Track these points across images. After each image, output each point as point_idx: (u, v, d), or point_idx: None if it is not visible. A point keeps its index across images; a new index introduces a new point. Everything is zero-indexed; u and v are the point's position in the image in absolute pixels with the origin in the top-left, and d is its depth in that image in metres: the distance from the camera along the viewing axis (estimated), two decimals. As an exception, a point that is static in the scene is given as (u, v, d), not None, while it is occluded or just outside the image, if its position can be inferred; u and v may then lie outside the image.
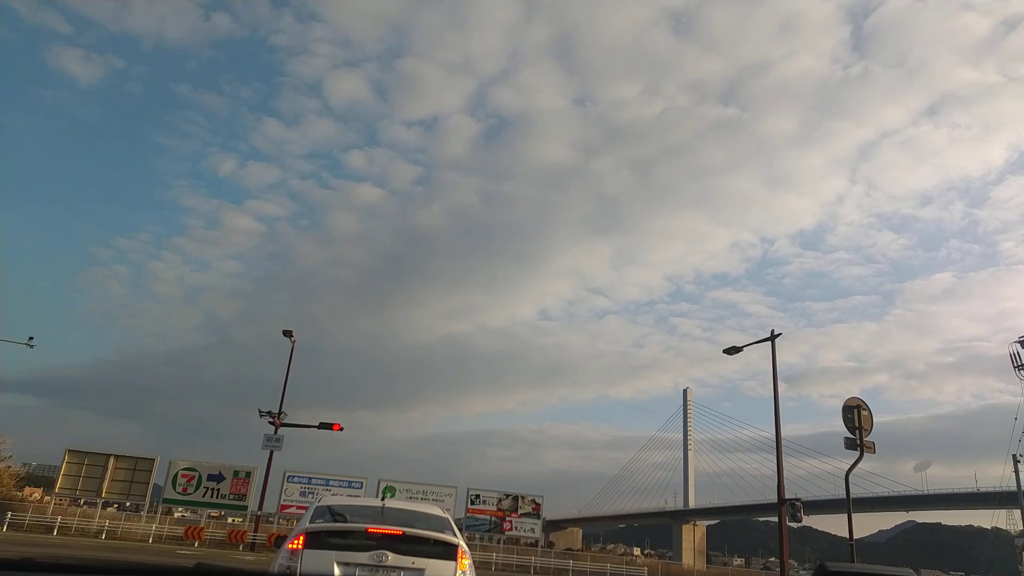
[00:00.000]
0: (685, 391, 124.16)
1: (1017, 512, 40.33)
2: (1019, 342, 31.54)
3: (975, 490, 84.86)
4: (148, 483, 34.51)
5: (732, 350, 24.94)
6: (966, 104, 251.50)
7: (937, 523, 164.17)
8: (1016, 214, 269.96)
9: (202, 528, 32.38)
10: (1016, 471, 38.89)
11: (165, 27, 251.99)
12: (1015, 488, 39.80)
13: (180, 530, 32.59)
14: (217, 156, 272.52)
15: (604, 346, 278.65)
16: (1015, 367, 31.53)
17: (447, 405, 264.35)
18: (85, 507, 37.95)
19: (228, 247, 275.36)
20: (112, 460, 34.12)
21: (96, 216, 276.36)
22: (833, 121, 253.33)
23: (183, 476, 34.49)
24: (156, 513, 35.31)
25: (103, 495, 33.83)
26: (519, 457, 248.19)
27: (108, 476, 33.76)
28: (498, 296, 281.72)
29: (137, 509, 36.31)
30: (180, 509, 39.90)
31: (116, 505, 40.61)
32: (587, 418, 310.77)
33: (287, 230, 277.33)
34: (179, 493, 34.38)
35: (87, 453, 34.15)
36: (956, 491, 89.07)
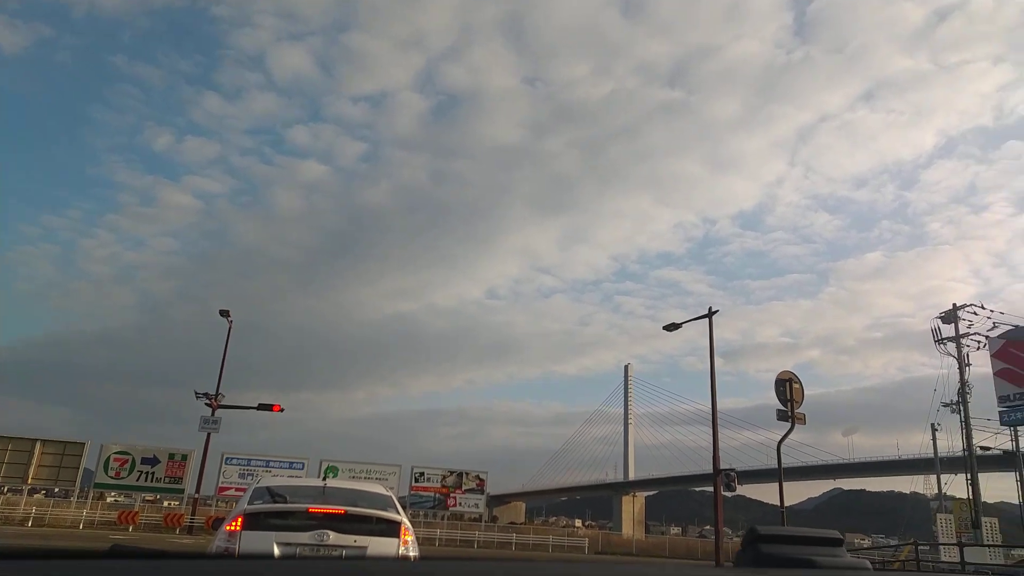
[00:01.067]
0: (626, 367, 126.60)
1: (934, 478, 42.80)
2: (939, 318, 33.19)
3: (896, 458, 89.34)
4: (78, 468, 33.28)
5: (671, 327, 25.51)
6: (901, 90, 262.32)
7: (862, 490, 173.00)
8: (943, 196, 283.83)
9: (136, 512, 31.48)
10: (934, 439, 41.24)
11: None
12: (932, 455, 42.22)
13: (113, 515, 31.59)
14: (153, 130, 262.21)
15: (550, 324, 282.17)
16: (935, 341, 33.21)
17: (395, 384, 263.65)
18: (9, 495, 36.38)
19: (164, 224, 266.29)
20: (39, 445, 32.75)
21: (22, 191, 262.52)
22: (775, 105, 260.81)
23: (116, 460, 33.41)
24: (87, 499, 34.14)
25: (29, 481, 32.49)
26: (466, 434, 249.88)
27: (35, 462, 32.41)
28: (448, 275, 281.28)
29: (67, 495, 35.02)
30: (113, 494, 38.67)
31: (44, 491, 39.06)
32: (533, 395, 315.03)
33: (227, 207, 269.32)
34: (111, 477, 33.32)
35: (11, 439, 32.67)
36: (879, 459, 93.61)
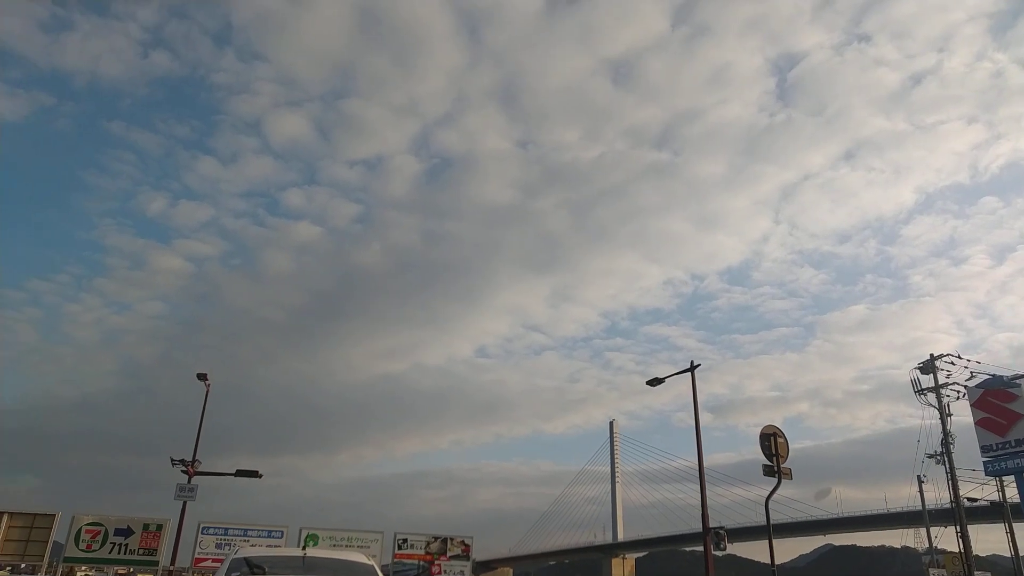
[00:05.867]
0: (611, 424, 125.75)
1: (923, 530, 42.41)
2: (918, 368, 33.50)
3: (885, 511, 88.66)
4: (47, 541, 31.98)
5: (655, 381, 25.47)
6: (880, 150, 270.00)
7: (853, 545, 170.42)
8: (923, 250, 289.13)
9: (107, 588, 30.23)
10: (921, 491, 41.08)
11: (100, 64, 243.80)
12: (920, 507, 41.96)
13: (82, 591, 30.30)
14: (147, 195, 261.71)
15: (541, 381, 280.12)
16: (915, 392, 33.42)
17: (381, 446, 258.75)
18: (-26, 572, 34.83)
19: (152, 288, 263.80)
20: (6, 518, 31.50)
21: (9, 256, 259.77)
22: (759, 165, 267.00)
23: (87, 532, 32.20)
24: (56, 574, 32.74)
25: (-5, 557, 31.13)
26: (452, 497, 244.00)
27: (1, 536, 31.16)
28: (437, 334, 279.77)
29: (34, 571, 33.53)
30: (83, 568, 37.06)
31: (10, 567, 37.42)
32: (522, 454, 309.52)
33: (217, 270, 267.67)
34: (83, 550, 32.03)
35: (-23, 512, 31.44)
36: (868, 513, 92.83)
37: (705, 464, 23.13)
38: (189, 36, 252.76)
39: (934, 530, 39.78)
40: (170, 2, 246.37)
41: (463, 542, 39.77)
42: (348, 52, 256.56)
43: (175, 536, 30.36)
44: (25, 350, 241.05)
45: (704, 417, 23.52)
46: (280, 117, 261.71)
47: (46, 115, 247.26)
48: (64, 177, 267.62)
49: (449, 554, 38.99)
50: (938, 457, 33.40)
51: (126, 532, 32.57)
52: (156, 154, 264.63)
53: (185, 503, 29.32)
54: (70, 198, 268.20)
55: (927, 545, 41.35)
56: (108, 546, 32.20)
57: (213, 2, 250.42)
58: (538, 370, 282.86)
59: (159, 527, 32.90)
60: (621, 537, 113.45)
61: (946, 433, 32.34)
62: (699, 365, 23.70)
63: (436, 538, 39.16)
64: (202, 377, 30.71)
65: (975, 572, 30.66)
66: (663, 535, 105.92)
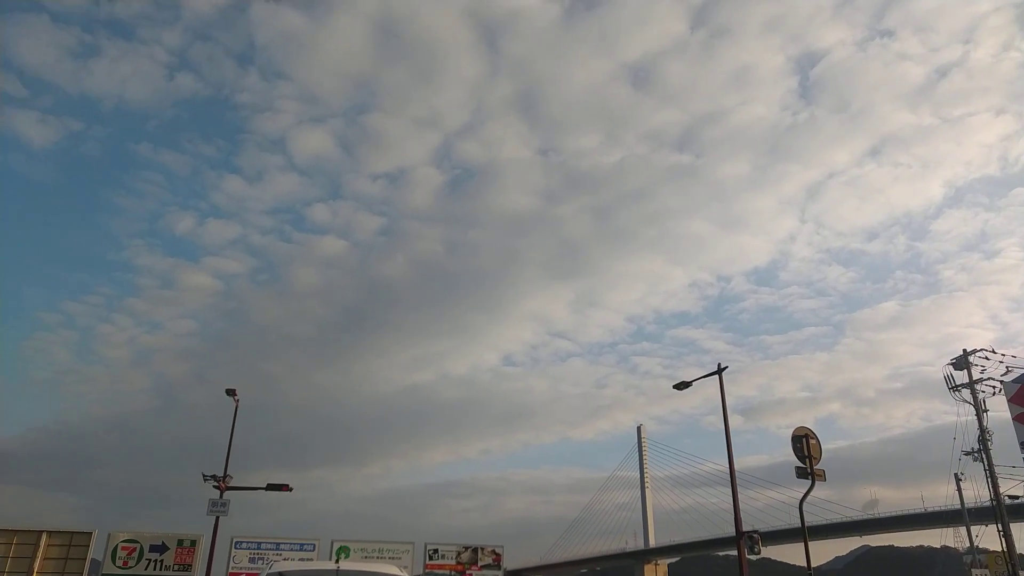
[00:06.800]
0: (639, 428, 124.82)
1: (963, 530, 41.48)
2: (951, 364, 32.82)
3: (923, 510, 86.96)
4: (85, 559, 32.51)
5: (682, 385, 25.26)
6: (906, 145, 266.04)
7: (890, 546, 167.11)
8: (954, 245, 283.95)
9: (144, 604, 30.60)
10: (959, 489, 40.19)
11: (127, 88, 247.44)
12: (959, 506, 41.05)
13: (120, 608, 30.70)
14: (175, 215, 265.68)
15: (567, 388, 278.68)
16: (949, 388, 32.72)
17: (408, 457, 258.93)
18: (15, 590, 35.46)
19: (182, 306, 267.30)
20: (45, 537, 32.08)
21: (45, 280, 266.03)
22: (783, 164, 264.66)
23: (123, 549, 32.69)
24: (94, 591, 33.24)
25: (34, 575, 31.69)
26: (481, 506, 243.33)
27: (40, 555, 31.68)
28: (462, 344, 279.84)
29: (73, 588, 34.08)
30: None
31: (49, 585, 38.05)
32: (550, 462, 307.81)
33: (245, 286, 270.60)
34: (119, 567, 32.52)
35: (16, 531, 32.05)
36: (905, 513, 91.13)
37: (736, 467, 22.86)
38: (213, 57, 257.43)
39: (974, 529, 38.89)
40: (194, 25, 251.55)
41: (494, 551, 39.69)
42: (368, 67, 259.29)
43: (209, 551, 30.61)
44: (61, 371, 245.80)
45: (734, 420, 23.29)
46: (303, 134, 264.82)
47: (75, 140, 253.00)
48: (94, 200, 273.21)
49: (480, 563, 38.93)
50: (975, 454, 32.65)
51: (161, 548, 33.00)
52: (183, 174, 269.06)
53: (218, 518, 29.55)
54: (100, 220, 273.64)
55: (968, 545, 40.43)
56: (144, 562, 32.63)
57: (236, 23, 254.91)
58: (564, 377, 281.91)
59: (193, 543, 33.30)
60: (653, 543, 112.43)
61: (983, 429, 31.61)
62: (726, 367, 23.48)
63: (467, 548, 39.14)
64: (231, 393, 31.00)
65: (1020, 572, 29.86)
66: (696, 540, 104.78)
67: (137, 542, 32.99)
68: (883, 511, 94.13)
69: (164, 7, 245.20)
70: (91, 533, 32.82)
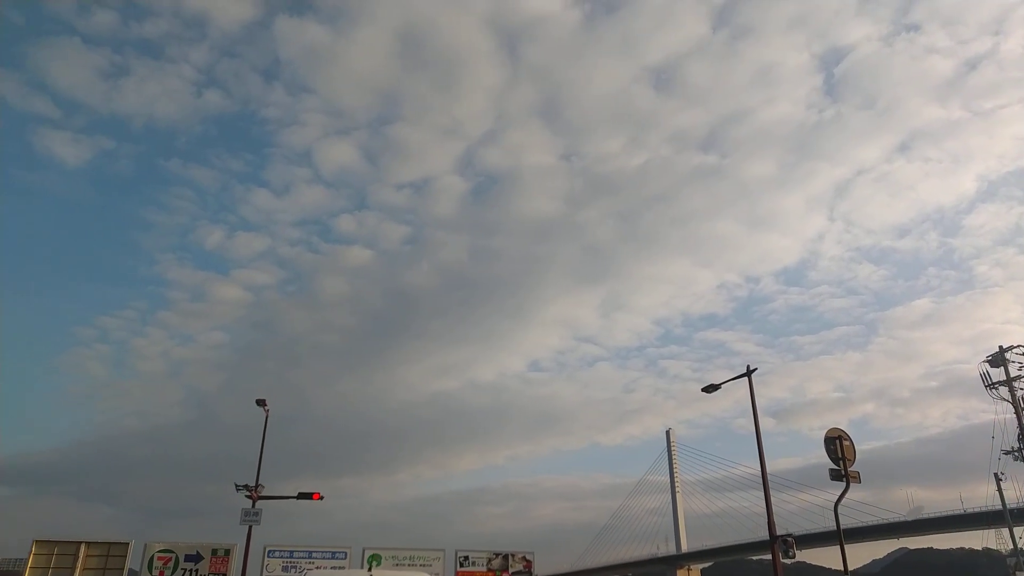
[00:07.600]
0: (667, 432, 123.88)
1: (1005, 531, 40.46)
2: (987, 361, 32.12)
3: (962, 511, 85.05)
4: (123, 569, 33.07)
5: (710, 388, 25.04)
6: (936, 139, 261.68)
7: (929, 548, 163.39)
8: (988, 239, 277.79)
9: (181, 613, 31.01)
10: (999, 489, 39.18)
11: (156, 106, 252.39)
12: (1000, 507, 40.03)
13: (158, 617, 31.15)
14: (205, 229, 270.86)
15: (595, 393, 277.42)
16: (986, 386, 32.04)
17: (437, 465, 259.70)
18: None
19: (213, 319, 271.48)
20: (83, 548, 32.71)
21: (80, 295, 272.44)
22: (810, 162, 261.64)
23: (159, 559, 33.18)
24: (132, 601, 33.77)
25: (75, 586, 32.29)
26: (511, 513, 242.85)
27: (80, 565, 32.30)
28: (488, 350, 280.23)
29: (111, 598, 34.67)
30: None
31: (89, 596, 38.74)
32: (579, 467, 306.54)
33: (274, 297, 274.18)
34: (155, 577, 33.00)
35: (56, 543, 32.71)
36: (944, 514, 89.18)
37: (769, 470, 22.57)
38: (239, 73, 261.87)
39: (1017, 531, 37.93)
40: (220, 42, 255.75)
41: (524, 558, 39.58)
42: (391, 78, 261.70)
43: (243, 560, 30.97)
44: (97, 385, 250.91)
45: (765, 422, 22.99)
46: (329, 146, 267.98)
47: (107, 158, 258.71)
48: (126, 216, 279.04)
49: (511, 570, 38.84)
50: (1015, 453, 31.88)
51: (196, 558, 33.44)
52: (212, 189, 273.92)
53: (250, 527, 29.90)
54: (132, 236, 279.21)
55: (1011, 547, 39.42)
56: (179, 572, 33.10)
57: (260, 39, 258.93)
58: (592, 381, 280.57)
59: (227, 552, 33.70)
60: (685, 548, 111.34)
61: (1022, 427, 30.88)
62: (755, 369, 23.25)
63: (497, 554, 39.09)
64: (261, 403, 31.39)
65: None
66: (728, 544, 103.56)
67: (173, 552, 33.46)
68: (920, 513, 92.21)
69: (191, 25, 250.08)
70: (128, 543, 33.40)
